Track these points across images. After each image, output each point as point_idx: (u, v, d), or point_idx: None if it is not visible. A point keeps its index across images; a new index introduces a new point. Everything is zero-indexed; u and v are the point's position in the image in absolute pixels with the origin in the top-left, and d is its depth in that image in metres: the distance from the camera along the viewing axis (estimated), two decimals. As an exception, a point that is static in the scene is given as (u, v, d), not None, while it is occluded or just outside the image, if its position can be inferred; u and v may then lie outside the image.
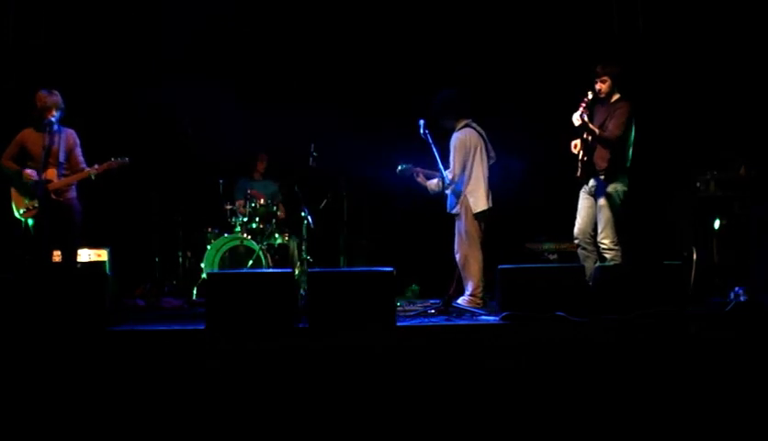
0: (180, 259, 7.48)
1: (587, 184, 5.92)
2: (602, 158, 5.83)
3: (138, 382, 4.30)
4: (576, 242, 5.98)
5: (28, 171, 5.71)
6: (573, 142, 5.98)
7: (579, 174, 5.90)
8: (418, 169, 6.25)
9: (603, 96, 5.86)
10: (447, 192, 6.04)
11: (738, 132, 6.76)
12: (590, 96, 5.80)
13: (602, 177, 5.82)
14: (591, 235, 5.91)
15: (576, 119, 5.72)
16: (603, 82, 5.82)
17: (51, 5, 7.45)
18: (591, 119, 5.84)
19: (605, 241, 5.78)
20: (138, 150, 6.60)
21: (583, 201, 5.96)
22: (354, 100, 7.70)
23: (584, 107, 5.70)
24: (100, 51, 7.52)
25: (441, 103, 6.07)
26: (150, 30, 7.67)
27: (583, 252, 5.95)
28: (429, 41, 7.67)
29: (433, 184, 6.16)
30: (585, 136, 5.80)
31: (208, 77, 7.52)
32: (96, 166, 5.84)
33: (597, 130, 5.73)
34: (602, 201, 5.81)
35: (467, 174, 5.97)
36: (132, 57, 7.60)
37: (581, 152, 5.85)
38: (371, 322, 4.83)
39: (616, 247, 5.76)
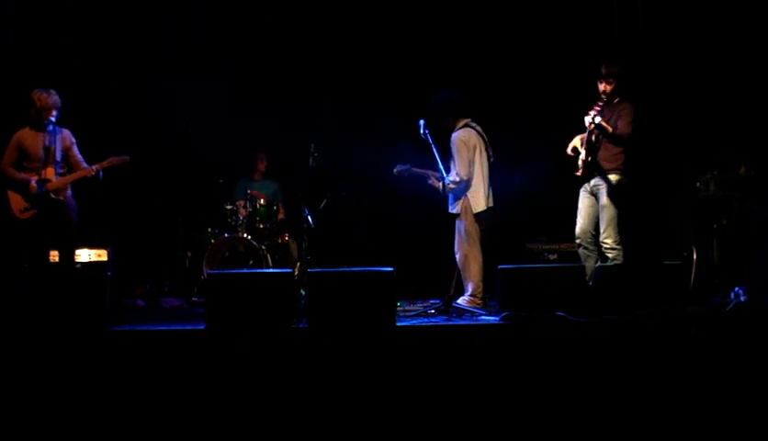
0: (180, 259, 7.48)
1: (588, 183, 5.93)
2: (607, 158, 5.84)
3: (138, 382, 4.30)
4: (578, 242, 5.97)
5: (33, 184, 5.70)
6: (571, 145, 5.99)
7: (581, 172, 5.91)
8: (415, 170, 6.25)
9: (604, 96, 5.85)
10: (448, 192, 6.04)
11: (738, 132, 6.75)
12: (604, 99, 5.81)
13: (608, 177, 5.82)
14: (592, 235, 5.91)
15: (588, 121, 5.68)
16: (608, 83, 5.81)
17: (52, 4, 7.45)
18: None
19: (608, 240, 5.78)
20: (138, 150, 6.60)
21: (584, 200, 5.96)
22: (354, 100, 7.69)
23: (598, 111, 5.66)
24: (100, 51, 7.52)
25: (440, 103, 6.06)
26: (150, 30, 7.68)
27: (585, 252, 5.94)
28: (429, 41, 7.67)
29: (432, 179, 6.15)
30: (592, 137, 5.79)
31: (209, 77, 7.53)
32: (95, 167, 5.84)
33: (610, 129, 5.72)
34: (605, 201, 5.82)
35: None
36: (132, 57, 7.60)
37: (585, 151, 5.84)
38: (371, 322, 4.83)
39: (618, 246, 5.77)
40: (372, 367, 4.43)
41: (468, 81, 6.89)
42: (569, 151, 6.01)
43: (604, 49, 7.17)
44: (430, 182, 6.16)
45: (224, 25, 7.74)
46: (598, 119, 5.65)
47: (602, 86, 5.83)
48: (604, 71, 5.81)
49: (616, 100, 5.83)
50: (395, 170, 6.26)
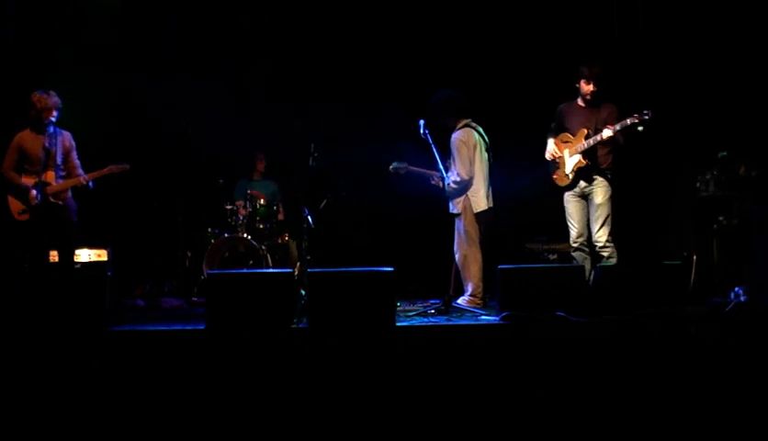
0: (180, 259, 7.48)
1: (576, 188, 5.95)
2: (605, 159, 5.90)
3: (138, 382, 4.30)
4: (575, 245, 5.96)
5: (33, 194, 5.68)
6: (552, 152, 5.99)
7: (570, 179, 5.93)
8: (413, 168, 6.25)
9: (590, 97, 5.88)
10: (448, 192, 6.04)
11: (738, 132, 6.76)
12: (588, 99, 5.84)
13: (603, 177, 5.88)
14: (588, 237, 5.94)
15: (608, 134, 5.65)
16: (595, 84, 5.84)
17: (52, 4, 7.45)
18: (565, 122, 5.98)
19: (602, 238, 5.82)
20: (138, 150, 6.60)
21: (576, 205, 5.98)
22: (354, 100, 7.70)
23: (635, 123, 5.63)
24: (100, 51, 7.52)
25: (441, 103, 6.06)
26: (150, 31, 7.68)
27: (582, 254, 5.96)
28: (430, 41, 7.67)
29: (435, 179, 6.16)
30: (592, 143, 5.80)
31: (209, 77, 7.53)
32: (87, 176, 5.83)
33: (622, 140, 5.76)
34: (600, 199, 5.87)
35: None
36: (133, 57, 7.60)
37: (581, 156, 5.85)
38: (371, 322, 4.83)
39: (611, 244, 5.83)
40: (372, 367, 4.43)
41: (468, 81, 6.89)
42: (549, 157, 6.02)
43: (604, 48, 7.18)
44: (433, 182, 6.16)
45: (224, 25, 7.74)
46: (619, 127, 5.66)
47: (589, 88, 5.86)
48: (590, 72, 5.84)
49: (600, 101, 5.89)
50: (391, 167, 6.27)
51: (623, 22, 7.37)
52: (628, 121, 5.61)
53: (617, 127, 5.64)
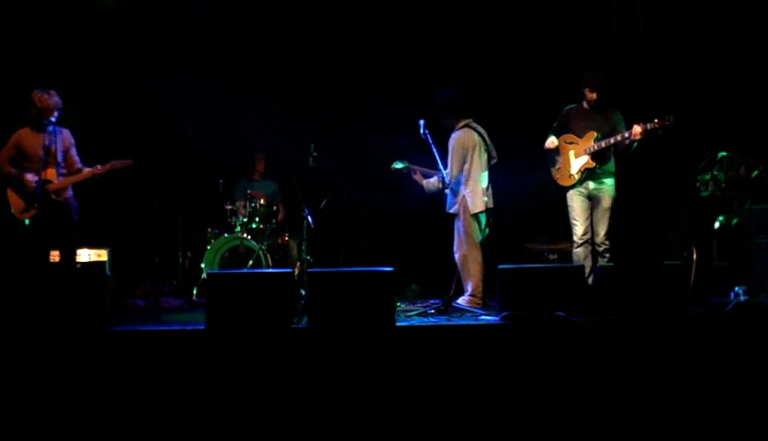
0: (180, 259, 7.47)
1: (584, 188, 5.97)
2: (612, 162, 5.96)
3: (138, 382, 4.30)
4: (580, 242, 5.99)
5: (29, 176, 5.70)
6: (551, 142, 6.00)
7: (576, 180, 5.94)
8: (415, 167, 6.25)
9: (594, 103, 5.91)
10: (447, 192, 6.03)
11: (738, 132, 6.76)
12: (592, 105, 5.85)
13: (610, 181, 5.96)
14: (591, 236, 5.96)
15: (634, 134, 5.69)
16: (596, 92, 5.89)
17: (52, 4, 7.45)
18: (570, 124, 6.02)
19: (607, 241, 5.92)
20: (138, 150, 6.58)
21: (582, 204, 6.01)
22: (354, 100, 7.70)
23: (655, 128, 5.64)
24: (100, 51, 7.52)
25: (441, 102, 6.06)
26: (150, 30, 7.68)
27: (585, 251, 5.98)
28: (430, 41, 7.67)
29: (430, 183, 6.15)
30: (603, 145, 5.82)
31: (209, 77, 7.53)
32: (99, 167, 5.85)
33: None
34: (608, 204, 5.96)
35: (465, 174, 5.96)
36: (132, 57, 7.60)
37: (589, 158, 5.87)
38: (371, 322, 4.83)
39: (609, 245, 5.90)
40: (372, 367, 4.43)
41: (468, 81, 6.88)
42: (547, 146, 6.03)
43: (604, 49, 7.18)
44: (428, 180, 6.16)
45: (224, 25, 7.73)
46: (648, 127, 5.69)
47: (593, 95, 5.93)
48: (591, 80, 5.87)
49: (605, 105, 5.91)
50: (392, 166, 6.27)
51: (623, 23, 7.37)
52: (648, 126, 5.63)
53: (638, 128, 5.64)
